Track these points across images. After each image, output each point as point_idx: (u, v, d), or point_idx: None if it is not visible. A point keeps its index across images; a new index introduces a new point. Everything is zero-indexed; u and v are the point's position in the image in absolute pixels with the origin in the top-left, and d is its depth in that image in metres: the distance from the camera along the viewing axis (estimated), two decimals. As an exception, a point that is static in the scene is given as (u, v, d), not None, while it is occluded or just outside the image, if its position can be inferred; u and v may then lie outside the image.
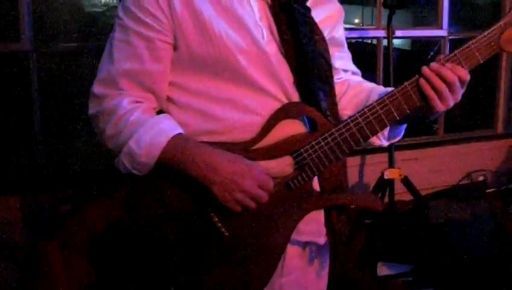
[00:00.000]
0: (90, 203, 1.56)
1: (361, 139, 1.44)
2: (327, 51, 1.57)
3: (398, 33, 4.52)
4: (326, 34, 1.59)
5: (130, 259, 1.43)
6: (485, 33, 1.40)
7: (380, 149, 4.03)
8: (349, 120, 1.43)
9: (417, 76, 1.41)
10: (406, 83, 1.42)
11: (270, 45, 1.47)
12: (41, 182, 3.88)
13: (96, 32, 4.25)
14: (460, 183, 5.04)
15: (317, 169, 1.44)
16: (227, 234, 1.41)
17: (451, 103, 1.42)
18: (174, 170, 1.39)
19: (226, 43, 1.42)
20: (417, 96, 1.42)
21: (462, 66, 1.40)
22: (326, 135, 1.43)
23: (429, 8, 5.37)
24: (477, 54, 1.40)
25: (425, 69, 1.40)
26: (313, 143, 1.43)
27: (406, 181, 3.88)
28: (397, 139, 1.64)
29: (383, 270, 3.61)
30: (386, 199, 3.91)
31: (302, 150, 1.44)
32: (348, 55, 1.75)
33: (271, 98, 1.46)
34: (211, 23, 1.41)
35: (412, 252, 3.63)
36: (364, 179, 4.68)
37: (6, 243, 3.48)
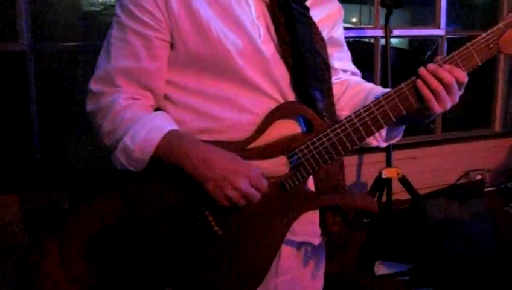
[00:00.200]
0: (87, 204, 1.56)
1: (356, 140, 1.43)
2: (325, 50, 1.57)
3: (396, 32, 4.54)
4: (325, 33, 1.59)
5: (126, 258, 1.44)
6: (484, 35, 1.39)
7: (377, 148, 4.04)
8: (344, 121, 1.42)
9: (414, 77, 1.40)
10: (402, 84, 1.41)
11: (267, 45, 1.47)
12: (40, 182, 3.88)
13: (95, 31, 4.24)
14: (458, 182, 5.05)
15: (312, 169, 1.44)
16: (220, 233, 1.41)
17: (449, 105, 1.40)
18: (169, 166, 1.39)
19: (223, 42, 1.42)
20: (414, 98, 1.40)
21: (460, 68, 1.38)
22: (321, 135, 1.43)
23: (427, 7, 5.37)
24: (475, 55, 1.39)
25: (422, 70, 1.39)
26: (308, 143, 1.43)
27: (403, 180, 3.89)
28: (395, 140, 1.64)
29: (380, 269, 3.61)
30: (384, 198, 3.92)
31: (297, 150, 1.43)
32: (347, 55, 1.74)
33: (267, 97, 1.46)
34: (207, 22, 1.42)
35: (409, 251, 3.63)
36: (362, 178, 4.68)
37: (5, 243, 3.49)
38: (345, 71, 1.72)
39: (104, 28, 4.11)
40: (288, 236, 1.50)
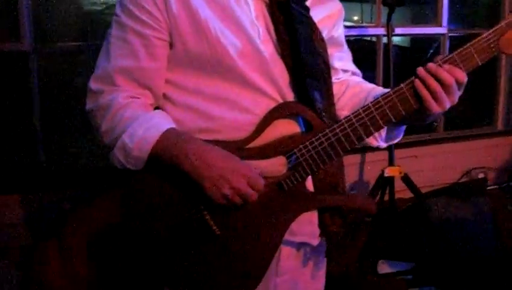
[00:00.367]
0: (87, 204, 1.57)
1: (355, 141, 1.43)
2: (325, 50, 1.56)
3: (398, 31, 4.52)
4: (325, 33, 1.59)
5: (125, 258, 1.44)
6: (485, 35, 1.38)
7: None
8: (343, 121, 1.42)
9: (413, 77, 1.39)
10: (402, 84, 1.40)
11: (266, 44, 1.47)
12: (43, 182, 3.88)
13: (96, 31, 4.24)
14: (460, 180, 5.04)
15: (311, 170, 1.44)
16: (219, 233, 1.41)
17: (448, 105, 1.40)
18: (167, 165, 1.39)
19: (222, 42, 1.42)
20: (412, 98, 1.40)
21: (460, 68, 1.37)
22: (320, 135, 1.42)
23: (429, 5, 5.36)
24: (475, 56, 1.37)
25: (420, 70, 1.38)
26: (307, 143, 1.43)
27: (406, 179, 3.89)
28: (396, 141, 1.63)
29: (383, 268, 3.61)
30: (386, 197, 3.91)
31: (295, 150, 1.43)
32: (347, 55, 1.74)
33: (266, 97, 1.46)
34: (206, 21, 1.42)
35: (412, 250, 3.63)
36: (364, 177, 4.68)
37: (7, 243, 3.49)
38: (345, 71, 1.71)
39: (106, 27, 4.11)
40: (287, 236, 1.50)
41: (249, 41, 1.44)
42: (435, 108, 1.39)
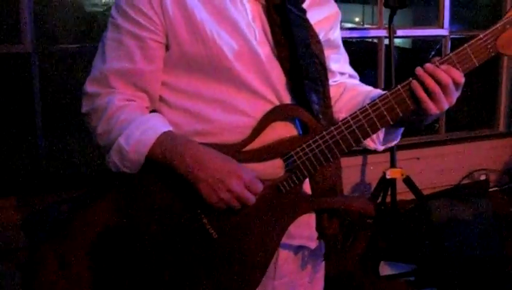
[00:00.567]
0: (85, 207, 1.56)
1: (352, 142, 1.42)
2: (322, 53, 1.55)
3: (400, 33, 4.52)
4: (322, 36, 1.58)
5: (123, 262, 1.43)
6: (481, 36, 1.37)
7: (381, 149, 4.04)
8: (340, 123, 1.42)
9: (410, 79, 1.39)
10: (399, 86, 1.40)
11: (262, 46, 1.46)
12: (43, 184, 3.89)
13: (98, 32, 4.25)
14: (462, 182, 5.03)
15: (308, 172, 1.43)
16: (216, 236, 1.41)
17: (445, 106, 1.39)
18: (164, 168, 1.38)
19: (218, 44, 1.41)
20: (410, 99, 1.39)
21: (457, 69, 1.37)
22: (317, 137, 1.42)
23: (430, 7, 5.35)
24: (472, 56, 1.37)
25: (418, 70, 1.38)
26: (304, 146, 1.42)
27: (407, 181, 3.88)
28: (393, 143, 1.62)
29: (385, 269, 3.61)
30: (388, 199, 3.92)
31: (292, 152, 1.43)
32: (344, 57, 1.73)
33: (262, 99, 1.46)
34: (202, 23, 1.41)
35: (414, 251, 3.62)
36: (366, 178, 4.67)
37: (6, 245, 3.49)
38: (342, 73, 1.70)
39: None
40: (285, 240, 1.49)
41: (245, 42, 1.44)
42: (433, 109, 1.38)
